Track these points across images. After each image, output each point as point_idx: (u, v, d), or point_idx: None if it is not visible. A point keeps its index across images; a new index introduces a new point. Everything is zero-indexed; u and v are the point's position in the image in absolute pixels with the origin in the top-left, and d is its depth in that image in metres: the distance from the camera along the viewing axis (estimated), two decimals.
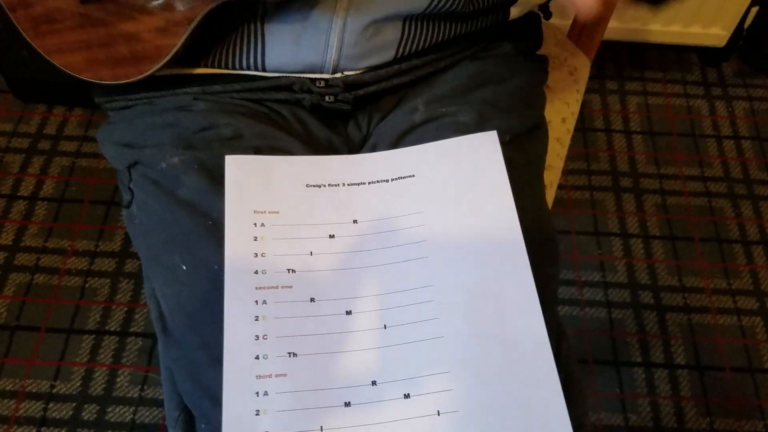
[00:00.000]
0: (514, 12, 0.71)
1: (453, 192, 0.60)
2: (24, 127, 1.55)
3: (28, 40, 0.66)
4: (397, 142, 0.65)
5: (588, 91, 1.59)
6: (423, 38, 0.65)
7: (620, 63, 1.69)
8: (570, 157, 1.52)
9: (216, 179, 0.59)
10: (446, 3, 0.63)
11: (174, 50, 0.61)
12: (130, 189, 0.65)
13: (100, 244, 1.40)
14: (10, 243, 1.39)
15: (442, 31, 0.65)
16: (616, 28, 1.53)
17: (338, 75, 0.65)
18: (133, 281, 1.36)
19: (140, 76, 0.63)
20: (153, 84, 0.66)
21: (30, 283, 1.35)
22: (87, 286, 1.35)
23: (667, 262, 1.40)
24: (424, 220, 0.58)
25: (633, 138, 1.58)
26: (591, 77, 1.03)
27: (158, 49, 0.61)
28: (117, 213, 1.44)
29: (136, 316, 1.32)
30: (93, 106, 1.57)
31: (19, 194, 1.46)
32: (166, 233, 0.59)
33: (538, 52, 0.81)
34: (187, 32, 0.60)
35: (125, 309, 1.33)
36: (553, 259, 0.65)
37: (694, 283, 1.38)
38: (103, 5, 0.61)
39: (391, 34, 0.63)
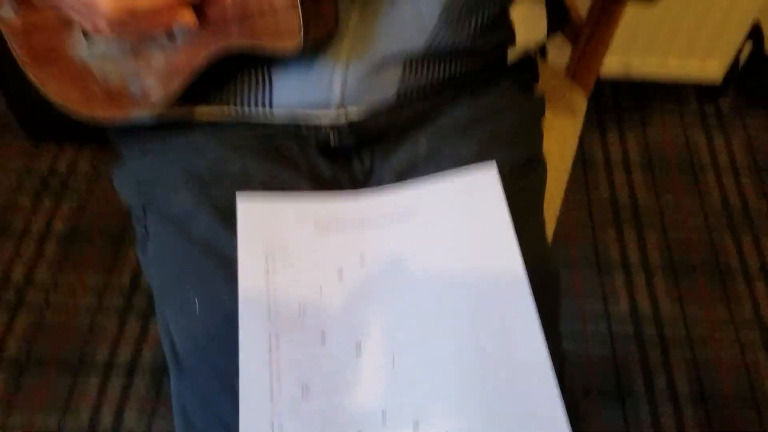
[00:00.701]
0: (512, 56, 0.74)
1: (456, 227, 0.62)
2: (35, 166, 1.58)
3: (25, 69, 0.67)
4: (401, 177, 0.68)
5: (587, 124, 1.62)
6: (423, 77, 0.68)
7: (618, 97, 1.72)
8: (571, 189, 1.54)
9: (227, 216, 0.61)
10: (443, 42, 0.66)
11: (178, 91, 0.63)
12: (145, 227, 0.67)
13: (109, 280, 1.42)
14: (22, 280, 1.41)
15: (441, 70, 0.68)
16: (614, 63, 1.57)
17: (342, 115, 0.67)
18: (141, 317, 1.38)
19: (150, 115, 0.65)
20: (165, 124, 0.69)
21: (40, 321, 1.36)
22: (96, 323, 1.37)
23: (668, 293, 1.41)
24: (428, 255, 0.60)
25: (633, 170, 1.60)
26: (590, 111, 1.06)
27: (160, 95, 0.64)
28: (126, 248, 1.46)
29: (144, 351, 1.34)
30: (103, 143, 1.61)
31: (30, 232, 1.48)
32: (180, 269, 0.61)
33: (536, 89, 0.85)
34: (192, 74, 0.62)
35: (133, 344, 1.34)
36: (554, 290, 0.67)
37: (696, 313, 1.39)
38: (111, 46, 0.63)
39: (392, 73, 0.66)
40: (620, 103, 1.72)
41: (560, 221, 0.95)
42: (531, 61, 0.81)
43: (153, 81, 0.64)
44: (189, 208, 0.63)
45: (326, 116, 0.67)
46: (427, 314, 0.57)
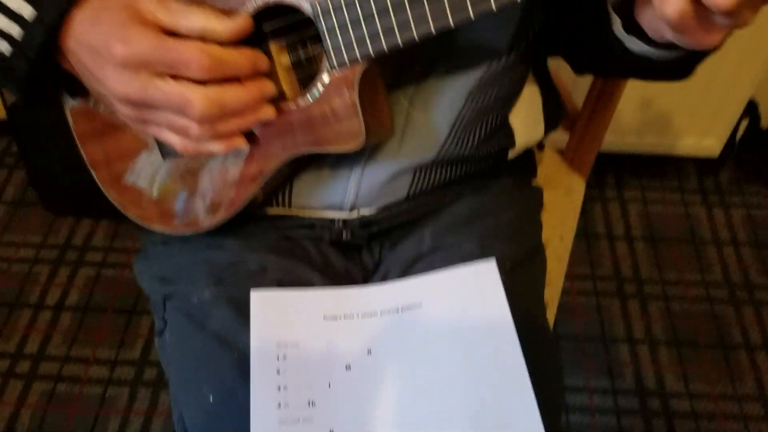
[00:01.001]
0: (512, 154, 0.78)
1: (458, 320, 0.65)
2: (52, 239, 1.63)
3: (106, 194, 0.72)
4: (406, 270, 0.72)
5: (589, 199, 1.66)
6: (431, 180, 0.72)
7: (619, 172, 1.77)
8: (574, 263, 1.57)
9: (243, 312, 0.65)
10: (452, 152, 0.71)
11: (247, 199, 0.67)
12: (164, 319, 0.71)
13: (120, 352, 1.45)
14: (35, 352, 1.45)
15: (447, 174, 0.73)
16: (612, 141, 1.62)
17: (355, 215, 0.72)
18: (151, 389, 1.40)
19: (211, 225, 0.70)
20: None
21: (53, 392, 1.39)
22: (107, 395, 1.39)
23: (673, 367, 1.43)
24: (432, 349, 0.63)
25: (635, 244, 1.63)
26: (591, 185, 1.10)
27: (231, 200, 0.68)
28: (138, 321, 1.50)
29: (154, 425, 1.35)
30: (119, 218, 1.66)
31: (45, 304, 1.52)
32: (196, 363, 0.65)
33: (534, 181, 0.89)
34: (262, 183, 0.66)
35: (143, 417, 1.36)
36: (556, 377, 0.70)
37: (701, 389, 1.40)
38: (184, 160, 0.68)
39: (403, 180, 0.71)
40: (621, 177, 1.76)
41: (565, 295, 0.97)
42: (529, 156, 0.85)
43: (227, 192, 0.68)
44: (207, 303, 0.67)
45: (339, 215, 0.72)
46: (432, 407, 0.60)
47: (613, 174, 1.77)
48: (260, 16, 0.59)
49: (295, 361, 0.61)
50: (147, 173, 0.69)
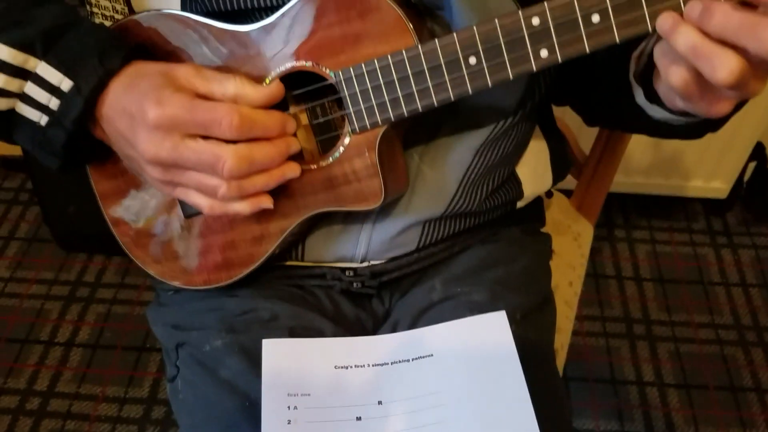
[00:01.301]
0: (520, 204, 0.80)
1: (468, 372, 0.66)
2: (64, 275, 1.64)
3: (126, 251, 0.74)
4: (416, 319, 0.73)
5: (597, 238, 1.67)
6: (440, 233, 0.74)
7: (627, 212, 1.78)
8: (583, 304, 1.58)
9: (255, 361, 0.66)
10: (461, 207, 0.72)
11: (266, 256, 0.69)
12: (176, 365, 0.72)
13: (129, 390, 1.45)
14: (45, 389, 1.45)
15: (456, 226, 0.74)
16: (620, 181, 1.63)
17: (365, 265, 0.73)
18: (158, 428, 1.40)
19: (230, 281, 0.71)
20: None
21: (62, 430, 1.39)
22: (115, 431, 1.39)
23: (683, 411, 1.42)
24: (442, 400, 0.64)
25: (644, 285, 1.64)
26: (599, 225, 1.11)
27: (251, 256, 0.69)
28: (147, 359, 1.50)
29: None
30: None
31: (56, 341, 1.53)
32: (207, 412, 0.65)
33: (545, 223, 0.90)
34: (280, 240, 0.68)
35: None
36: (567, 429, 0.70)
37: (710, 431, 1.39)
38: (206, 219, 0.70)
39: (413, 233, 0.72)
40: (629, 217, 1.77)
41: (574, 336, 0.98)
42: (538, 203, 0.87)
43: (247, 247, 0.69)
44: (219, 351, 0.68)
45: (350, 265, 0.73)
46: None
47: (621, 214, 1.78)
48: (283, 79, 0.62)
49: (306, 411, 0.62)
50: (168, 232, 0.71)
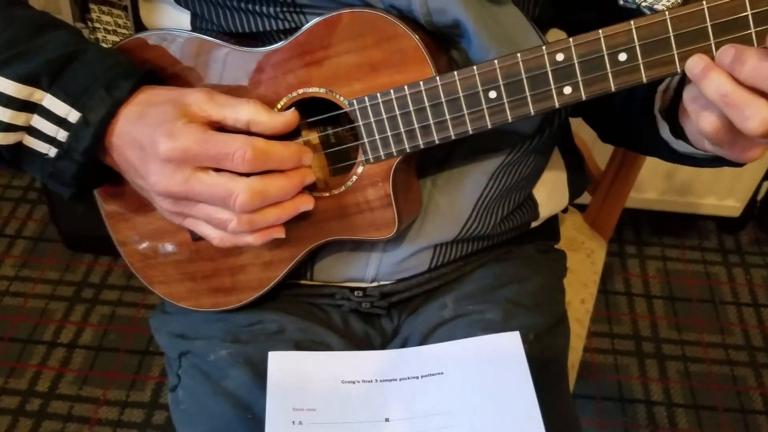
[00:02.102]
0: (535, 224, 0.78)
1: (479, 392, 0.64)
2: (70, 276, 1.63)
3: (134, 271, 0.73)
4: (427, 337, 0.71)
5: (608, 254, 1.64)
6: (452, 255, 0.72)
7: (639, 228, 1.76)
8: (592, 319, 1.55)
9: (260, 373, 0.64)
10: (474, 231, 0.70)
11: (275, 282, 0.68)
12: (178, 375, 0.70)
13: (131, 393, 1.44)
14: (47, 390, 1.44)
15: (469, 248, 0.73)
16: (633, 197, 1.61)
17: (375, 285, 0.72)
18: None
19: (238, 305, 0.70)
20: None
21: None
22: None
23: (691, 429, 1.40)
24: (452, 420, 0.62)
25: (654, 303, 1.61)
26: (610, 241, 1.09)
27: (260, 281, 0.68)
28: (150, 362, 1.49)
29: None
30: None
31: (59, 341, 1.52)
32: (210, 424, 0.64)
33: (559, 240, 0.88)
34: (290, 266, 0.66)
35: None
36: None
37: None
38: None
39: (424, 256, 0.71)
40: (640, 234, 1.75)
41: (582, 353, 0.96)
42: (553, 221, 0.85)
43: (256, 272, 0.68)
44: (224, 362, 0.66)
45: (360, 286, 0.72)
46: None
47: (632, 230, 1.76)
48: (295, 104, 0.60)
49: (312, 426, 0.60)
50: (177, 255, 0.70)
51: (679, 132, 0.59)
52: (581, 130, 0.95)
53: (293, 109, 0.58)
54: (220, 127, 0.56)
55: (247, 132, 0.56)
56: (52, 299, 1.59)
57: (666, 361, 1.51)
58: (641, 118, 0.64)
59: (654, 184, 1.59)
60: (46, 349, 1.50)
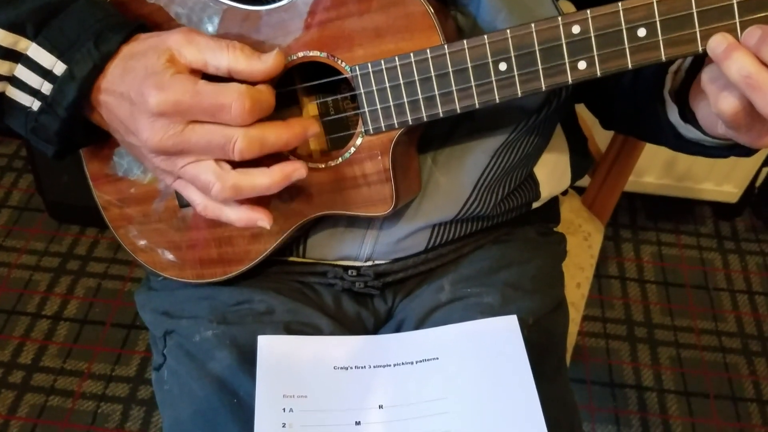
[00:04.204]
0: (536, 205, 0.75)
1: (475, 378, 0.62)
2: (55, 247, 1.60)
3: (117, 236, 0.70)
4: (423, 320, 0.68)
5: (603, 237, 1.63)
6: (451, 235, 0.69)
7: (634, 212, 1.74)
8: (585, 305, 1.54)
9: (246, 356, 0.62)
10: (474, 211, 0.68)
11: (263, 256, 0.65)
12: (163, 354, 0.68)
13: (116, 368, 1.42)
14: (29, 362, 1.41)
15: (468, 228, 0.70)
16: (630, 181, 1.58)
17: (369, 264, 0.69)
18: (144, 408, 1.37)
19: (224, 277, 0.67)
20: None
21: (44, 405, 1.35)
22: (99, 411, 1.36)
23: (681, 418, 1.39)
24: (447, 406, 0.60)
25: (647, 287, 1.60)
26: (605, 224, 1.07)
27: (247, 253, 0.65)
28: (137, 337, 1.47)
29: None
30: None
31: (43, 313, 1.49)
32: (193, 407, 0.62)
33: (559, 222, 0.86)
34: (280, 240, 0.63)
35: None
36: None
37: None
38: None
39: (422, 236, 0.68)
40: (636, 218, 1.73)
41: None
42: (553, 202, 0.82)
43: (244, 244, 0.65)
44: (209, 343, 0.64)
45: (354, 264, 0.69)
46: None
47: (628, 214, 1.74)
48: (295, 68, 0.57)
49: (303, 414, 0.58)
50: (162, 221, 0.67)
51: (688, 116, 0.56)
52: (583, 109, 0.92)
53: (276, 51, 0.54)
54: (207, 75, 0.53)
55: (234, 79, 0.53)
56: (37, 270, 1.56)
57: (658, 346, 1.50)
58: (649, 99, 0.61)
59: (651, 167, 1.57)
60: (29, 320, 1.48)
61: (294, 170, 0.54)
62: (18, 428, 1.32)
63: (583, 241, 1.03)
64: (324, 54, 0.56)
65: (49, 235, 1.62)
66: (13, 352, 1.42)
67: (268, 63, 0.52)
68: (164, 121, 0.51)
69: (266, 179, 0.53)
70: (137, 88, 0.51)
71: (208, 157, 0.52)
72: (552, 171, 0.74)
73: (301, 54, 0.56)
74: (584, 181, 1.05)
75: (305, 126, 0.54)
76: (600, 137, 1.05)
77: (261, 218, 0.56)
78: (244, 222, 0.56)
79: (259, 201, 0.57)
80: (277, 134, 0.52)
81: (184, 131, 0.51)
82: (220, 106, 0.50)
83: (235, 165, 0.53)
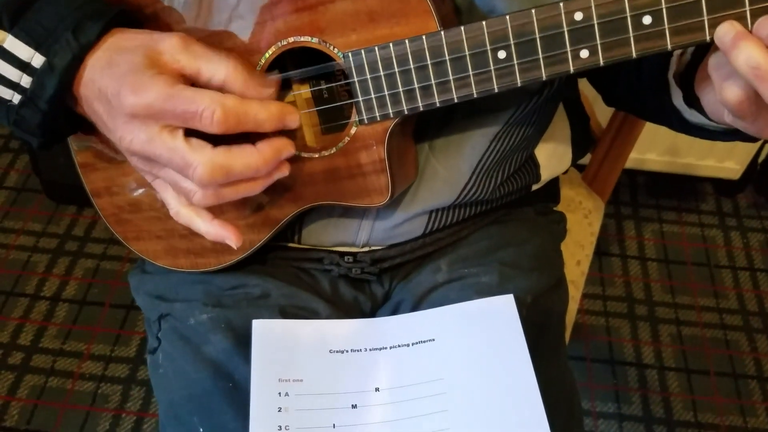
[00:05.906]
0: (535, 187, 0.74)
1: (472, 358, 0.61)
2: (53, 228, 1.59)
3: (108, 225, 0.69)
4: (420, 301, 0.68)
5: (603, 215, 1.62)
6: (448, 220, 0.68)
7: (635, 190, 1.73)
8: (585, 280, 1.53)
9: (241, 340, 0.61)
10: (472, 195, 0.66)
11: (257, 246, 0.63)
12: (158, 338, 0.67)
13: (115, 348, 1.42)
14: (29, 344, 1.41)
15: (466, 212, 0.69)
16: (631, 158, 1.57)
17: (365, 250, 0.68)
18: (144, 389, 1.37)
19: (218, 267, 0.66)
20: None
21: (44, 386, 1.36)
22: (99, 391, 1.36)
23: (682, 395, 1.39)
24: (444, 388, 0.59)
25: (648, 265, 1.59)
26: (606, 202, 1.06)
27: (242, 244, 0.62)
28: (136, 317, 1.46)
29: (145, 426, 1.32)
30: None
31: (42, 294, 1.49)
32: (188, 391, 0.61)
33: (559, 201, 0.84)
34: (274, 230, 0.62)
35: (134, 418, 1.33)
36: (577, 423, 0.66)
37: (709, 420, 1.36)
38: None
39: (419, 221, 0.67)
40: (637, 195, 1.72)
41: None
42: (553, 182, 0.81)
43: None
44: (204, 326, 0.63)
45: (350, 249, 0.68)
46: None
47: (628, 191, 1.72)
48: (286, 53, 0.55)
49: (298, 398, 0.57)
50: (154, 210, 0.65)
51: (692, 101, 0.55)
52: (585, 84, 0.91)
53: (278, 76, 0.52)
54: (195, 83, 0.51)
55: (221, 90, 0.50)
56: (35, 251, 1.55)
57: (659, 324, 1.49)
58: (653, 82, 0.59)
59: (653, 144, 1.55)
60: (28, 302, 1.47)
61: (277, 170, 0.53)
62: (18, 409, 1.32)
63: (583, 218, 1.02)
64: (315, 39, 0.54)
65: (46, 216, 1.61)
66: (13, 334, 1.42)
67: (262, 86, 0.51)
68: (137, 124, 0.49)
69: (249, 183, 0.52)
70: (115, 86, 0.49)
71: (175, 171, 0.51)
72: (552, 152, 0.72)
73: (291, 39, 0.54)
74: (585, 158, 1.03)
75: (278, 149, 0.52)
76: (601, 113, 1.03)
77: (229, 237, 0.54)
78: (212, 237, 0.54)
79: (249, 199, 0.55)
80: (245, 163, 0.50)
81: (153, 139, 0.49)
82: (192, 113, 0.48)
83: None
